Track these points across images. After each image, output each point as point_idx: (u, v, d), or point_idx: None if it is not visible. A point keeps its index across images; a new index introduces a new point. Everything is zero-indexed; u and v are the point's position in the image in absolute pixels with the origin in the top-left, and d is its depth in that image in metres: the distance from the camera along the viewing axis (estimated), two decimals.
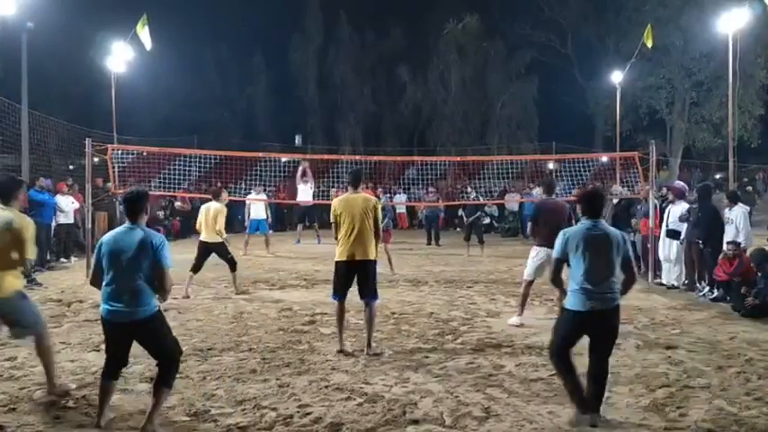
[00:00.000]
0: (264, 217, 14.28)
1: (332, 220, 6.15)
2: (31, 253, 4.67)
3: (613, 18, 26.34)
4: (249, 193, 14.82)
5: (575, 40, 29.78)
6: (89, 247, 11.49)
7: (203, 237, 9.19)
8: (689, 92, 24.11)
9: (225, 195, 9.77)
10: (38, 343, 4.83)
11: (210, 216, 9.11)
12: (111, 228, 15.05)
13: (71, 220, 12.93)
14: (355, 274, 6.01)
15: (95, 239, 13.68)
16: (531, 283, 7.50)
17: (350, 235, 5.93)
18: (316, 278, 10.57)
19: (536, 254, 7.41)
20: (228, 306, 8.27)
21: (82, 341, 6.42)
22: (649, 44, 17.43)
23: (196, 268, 9.07)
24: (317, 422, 4.31)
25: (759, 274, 8.05)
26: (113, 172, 11.81)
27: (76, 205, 12.99)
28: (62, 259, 12.69)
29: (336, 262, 6.07)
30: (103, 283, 4.11)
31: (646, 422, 4.31)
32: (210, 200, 9.48)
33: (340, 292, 6.09)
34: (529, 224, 7.77)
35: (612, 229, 4.39)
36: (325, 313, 7.81)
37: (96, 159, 12.14)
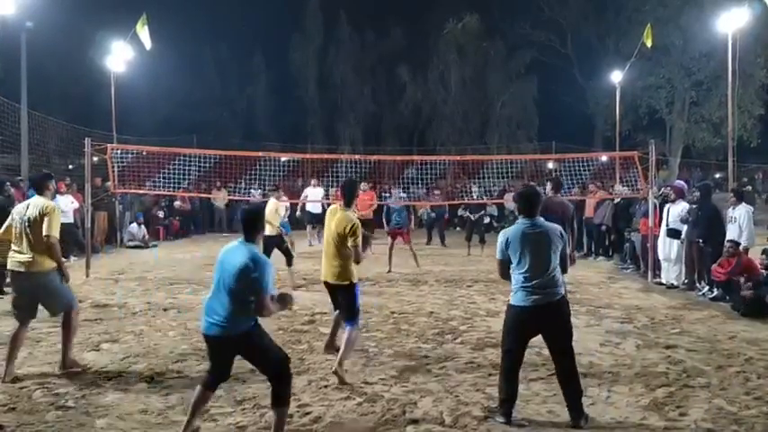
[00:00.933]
0: (286, 219, 14.27)
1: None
2: (55, 230, 5.29)
3: (613, 18, 26.33)
4: (249, 192, 14.79)
5: (574, 40, 29.78)
6: (89, 246, 11.51)
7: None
8: (688, 91, 24.11)
9: (223, 194, 9.98)
10: (65, 318, 5.36)
11: (271, 210, 9.59)
12: (110, 227, 15.23)
13: (70, 220, 12.91)
14: (334, 295, 5.68)
15: (95, 239, 13.82)
16: None
17: (326, 252, 5.56)
18: (315, 278, 10.53)
19: None
20: None
21: (81, 341, 6.40)
22: (649, 44, 17.43)
23: None
24: (316, 421, 4.31)
25: (766, 273, 8.07)
26: (113, 172, 11.81)
27: (76, 205, 12.98)
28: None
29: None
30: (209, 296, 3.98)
31: (645, 421, 4.32)
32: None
33: (332, 303, 5.88)
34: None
35: (550, 225, 4.44)
36: (325, 313, 7.81)
37: (96, 159, 12.13)
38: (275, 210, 9.85)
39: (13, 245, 5.32)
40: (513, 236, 4.35)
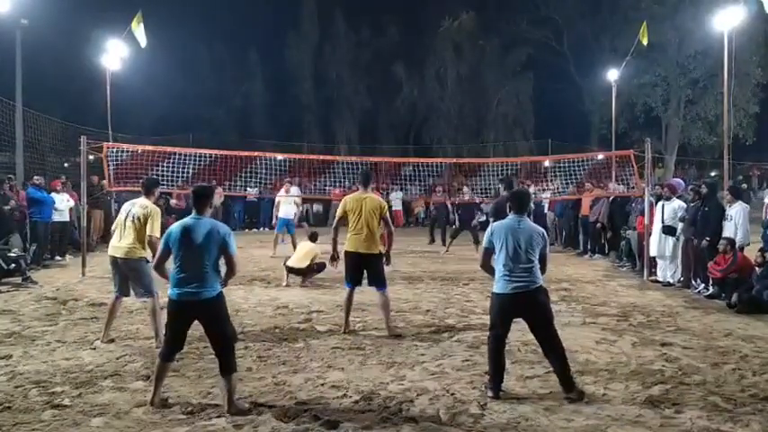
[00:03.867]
0: (292, 216, 14.18)
1: (339, 212, 6.78)
2: (156, 231, 5.99)
3: (609, 15, 26.38)
4: (245, 190, 14.74)
5: (570, 38, 29.80)
6: (85, 245, 11.48)
7: None
8: (684, 89, 24.17)
9: (220, 191, 9.98)
10: (151, 305, 6.13)
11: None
12: (106, 226, 15.17)
13: (66, 218, 12.89)
14: (363, 266, 6.63)
15: (91, 237, 13.77)
16: None
17: (356, 231, 6.58)
18: (313, 276, 10.54)
19: None
20: None
21: (77, 339, 6.40)
22: (645, 42, 17.45)
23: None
24: (313, 420, 4.31)
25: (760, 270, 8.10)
26: (108, 170, 11.76)
27: (71, 203, 12.94)
28: (57, 257, 12.64)
29: (345, 251, 6.69)
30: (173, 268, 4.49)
31: (641, 419, 4.32)
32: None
33: (349, 281, 6.71)
34: (490, 220, 8.13)
35: (534, 225, 4.95)
36: (321, 311, 7.82)
37: (91, 157, 12.08)
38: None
39: (114, 235, 6.27)
40: (499, 228, 4.89)
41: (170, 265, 4.63)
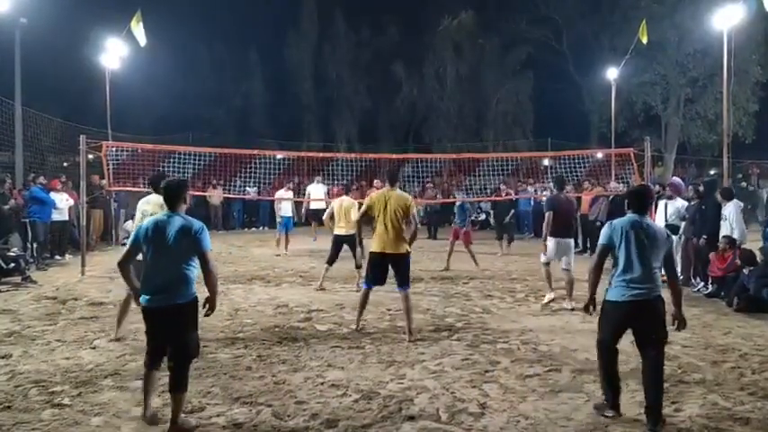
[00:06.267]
0: (291, 215, 14.19)
1: (363, 208, 6.69)
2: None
3: (608, 14, 26.33)
4: (244, 189, 14.75)
5: (570, 37, 29.76)
6: (84, 244, 11.47)
7: (338, 231, 9.49)
8: (684, 88, 24.16)
9: (219, 192, 9.83)
10: None
11: (343, 210, 9.42)
12: (105, 225, 15.17)
13: (66, 218, 12.88)
14: (388, 266, 6.51)
15: (90, 237, 13.76)
16: (548, 264, 8.30)
17: (382, 230, 6.43)
18: (312, 275, 10.56)
19: (553, 245, 8.12)
20: (224, 303, 8.24)
21: (77, 339, 6.40)
22: (644, 40, 17.44)
23: (331, 261, 9.44)
24: (313, 418, 4.31)
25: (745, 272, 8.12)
26: (108, 169, 11.76)
27: (71, 202, 12.94)
28: (57, 257, 12.64)
29: (370, 252, 6.59)
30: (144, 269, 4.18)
31: (641, 417, 4.32)
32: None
33: (370, 281, 6.62)
34: (546, 215, 8.12)
35: (658, 226, 4.57)
36: (321, 310, 7.82)
37: (91, 156, 12.08)
38: (347, 210, 9.37)
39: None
40: (620, 225, 4.40)
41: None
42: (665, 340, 4.42)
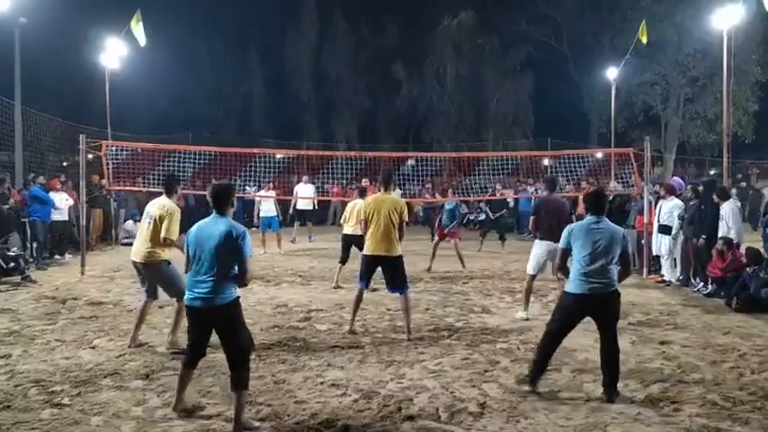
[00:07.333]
0: (275, 214, 14.11)
1: (362, 217, 6.69)
2: (172, 233, 5.80)
3: (608, 14, 26.38)
4: (244, 189, 14.72)
5: (570, 37, 29.81)
6: (84, 244, 11.47)
7: (347, 230, 9.58)
8: (684, 88, 24.19)
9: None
10: (178, 306, 5.86)
11: (356, 211, 9.43)
12: (105, 225, 15.17)
13: (65, 217, 12.87)
14: (379, 267, 6.56)
15: (90, 237, 13.75)
16: (533, 277, 7.58)
17: (373, 233, 6.46)
18: (311, 275, 10.56)
19: (538, 248, 7.55)
20: None
21: (76, 338, 6.39)
22: (644, 40, 17.46)
23: (344, 260, 9.52)
24: (312, 418, 4.31)
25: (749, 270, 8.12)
26: (108, 169, 11.75)
27: (71, 202, 12.93)
28: (56, 256, 12.63)
29: (363, 254, 6.64)
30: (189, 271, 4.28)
31: (640, 417, 4.33)
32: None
33: (363, 279, 6.64)
34: (531, 218, 7.98)
35: (614, 227, 4.87)
36: (321, 309, 7.82)
37: (90, 156, 12.07)
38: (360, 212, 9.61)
39: (136, 238, 6.20)
40: (578, 229, 4.84)
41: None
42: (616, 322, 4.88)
